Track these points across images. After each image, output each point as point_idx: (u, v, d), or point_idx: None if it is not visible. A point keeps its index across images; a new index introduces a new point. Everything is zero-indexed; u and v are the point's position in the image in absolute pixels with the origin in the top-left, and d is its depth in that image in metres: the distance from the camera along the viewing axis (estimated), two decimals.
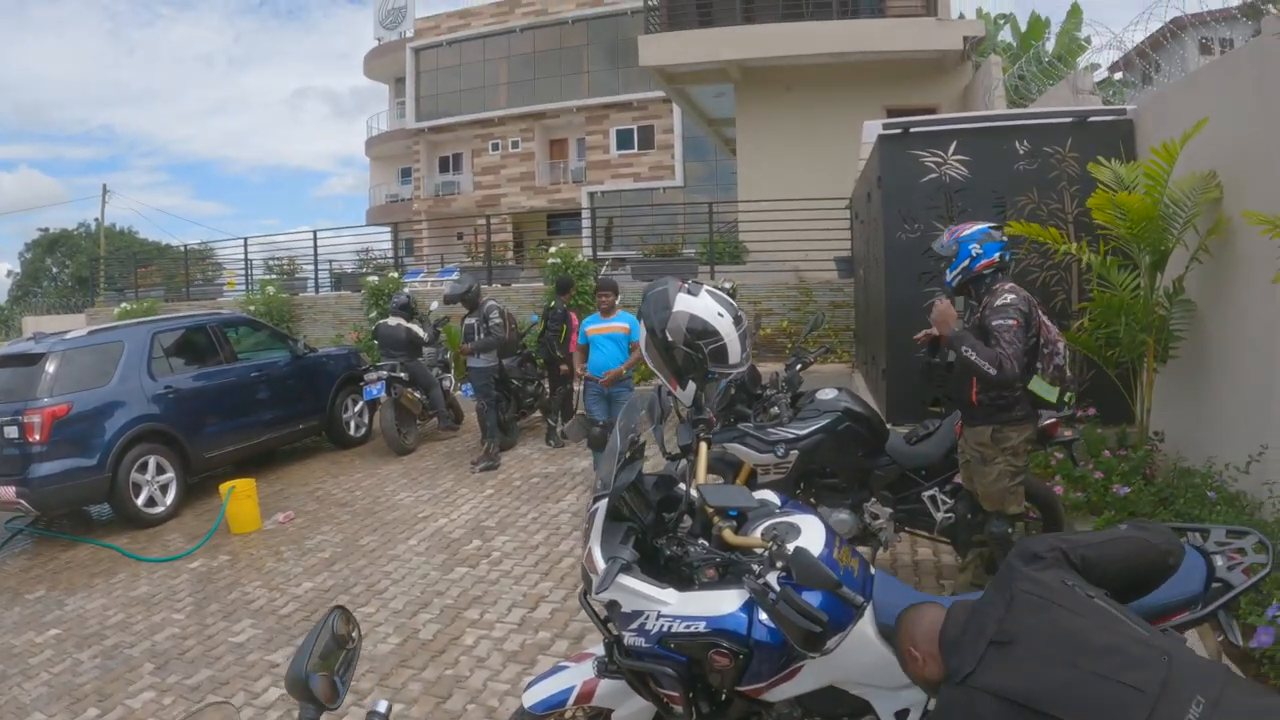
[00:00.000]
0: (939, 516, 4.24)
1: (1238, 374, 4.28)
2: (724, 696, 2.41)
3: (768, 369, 4.77)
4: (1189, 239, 4.63)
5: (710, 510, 2.47)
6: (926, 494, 4.25)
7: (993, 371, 3.35)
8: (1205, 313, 4.73)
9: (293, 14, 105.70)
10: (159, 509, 6.80)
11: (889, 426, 4.56)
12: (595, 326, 6.71)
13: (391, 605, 4.88)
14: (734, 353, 2.72)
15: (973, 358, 3.40)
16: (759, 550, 2.28)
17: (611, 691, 2.66)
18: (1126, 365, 5.05)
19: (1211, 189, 4.50)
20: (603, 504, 2.42)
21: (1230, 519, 3.73)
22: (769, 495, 2.65)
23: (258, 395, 7.97)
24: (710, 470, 4.60)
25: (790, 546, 2.12)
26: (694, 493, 2.52)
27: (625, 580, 2.29)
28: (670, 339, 2.70)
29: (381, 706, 1.49)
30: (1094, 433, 5.15)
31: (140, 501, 6.70)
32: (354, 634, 1.58)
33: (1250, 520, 3.71)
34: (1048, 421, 3.97)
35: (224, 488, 6.47)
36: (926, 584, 4.53)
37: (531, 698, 2.76)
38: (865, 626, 2.26)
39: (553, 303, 8.65)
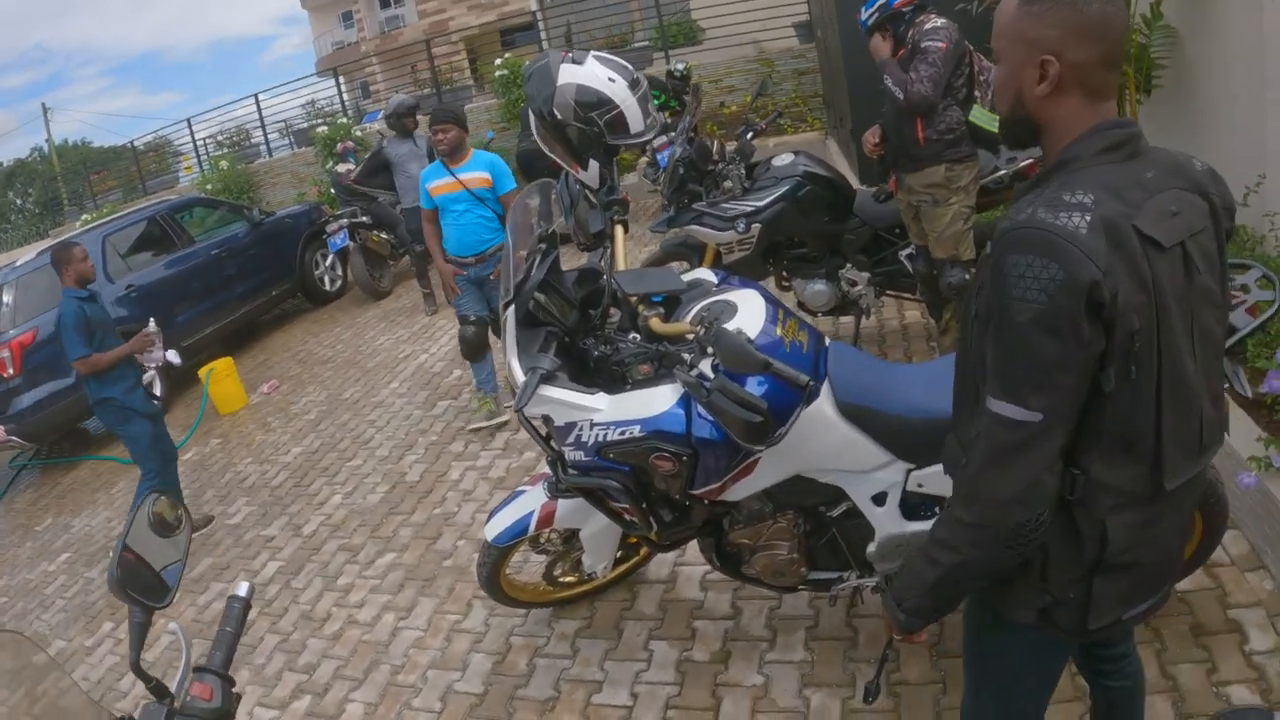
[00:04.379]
0: None
1: (1227, 100, 3.82)
2: (683, 502, 2.22)
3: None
4: None
5: (634, 299, 2.20)
6: (904, 253, 3.95)
7: (900, 95, 3.19)
8: (1186, 37, 4.21)
9: None
10: None
11: (858, 186, 4.19)
12: (438, 183, 4.49)
13: (378, 454, 4.85)
14: (634, 119, 2.33)
15: (888, 84, 3.26)
16: (688, 337, 2.02)
17: (572, 511, 2.53)
18: None
19: None
20: (510, 310, 2.14)
21: (1229, 254, 3.39)
22: (704, 274, 2.37)
23: (224, 272, 7.78)
24: (672, 258, 4.33)
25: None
26: (613, 282, 2.24)
27: (548, 391, 2.05)
28: (560, 116, 2.31)
29: (242, 590, 1.33)
30: None
31: None
32: (179, 518, 1.37)
33: (1251, 255, 3.40)
34: (1025, 162, 3.71)
35: (202, 372, 6.40)
36: (917, 348, 4.33)
37: (493, 530, 2.64)
38: (823, 407, 2.02)
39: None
